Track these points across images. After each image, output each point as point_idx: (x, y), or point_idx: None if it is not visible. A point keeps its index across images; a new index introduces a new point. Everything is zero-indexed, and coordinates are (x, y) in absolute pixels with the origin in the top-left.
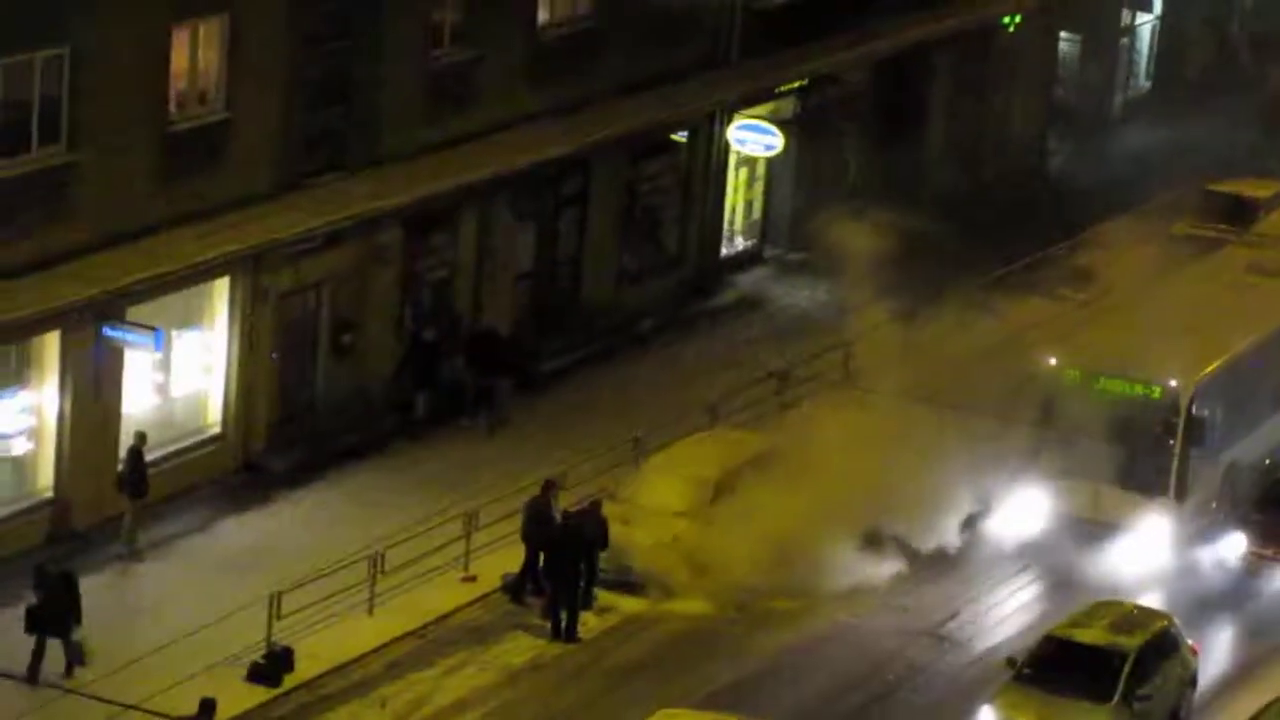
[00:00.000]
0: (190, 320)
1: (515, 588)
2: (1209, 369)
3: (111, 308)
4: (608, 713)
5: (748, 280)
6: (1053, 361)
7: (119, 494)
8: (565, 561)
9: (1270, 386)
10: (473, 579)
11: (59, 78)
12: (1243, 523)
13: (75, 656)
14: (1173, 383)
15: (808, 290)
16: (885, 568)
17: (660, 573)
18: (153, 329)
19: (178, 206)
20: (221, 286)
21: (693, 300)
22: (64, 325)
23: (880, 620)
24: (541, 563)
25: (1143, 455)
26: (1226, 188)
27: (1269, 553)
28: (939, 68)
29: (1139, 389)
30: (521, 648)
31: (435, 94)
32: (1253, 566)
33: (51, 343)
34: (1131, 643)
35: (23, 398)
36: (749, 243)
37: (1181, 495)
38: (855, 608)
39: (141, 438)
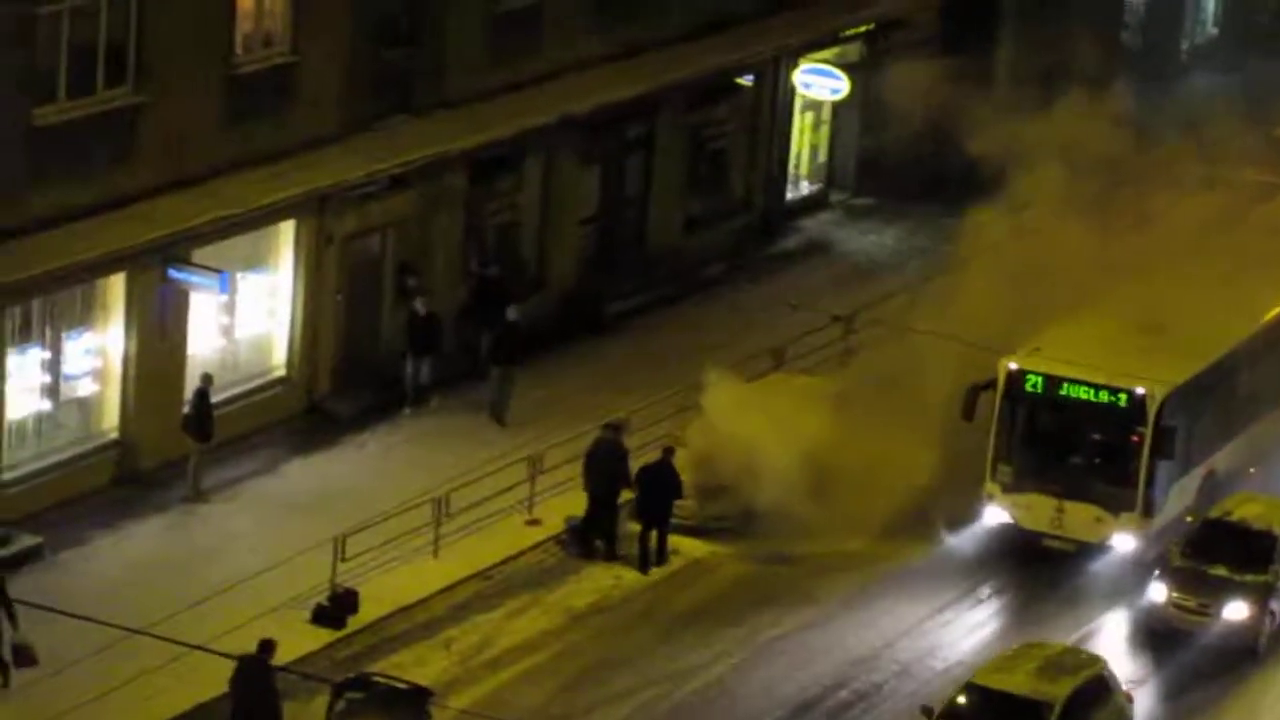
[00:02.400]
0: (256, 263)
1: (580, 535)
2: (1184, 374)
3: (177, 250)
4: (670, 656)
5: (813, 225)
6: (1013, 365)
7: (184, 436)
8: (654, 501)
9: (1255, 388)
10: (537, 522)
11: (126, 19)
12: (1162, 570)
13: (22, 659)
14: (1140, 390)
15: (874, 235)
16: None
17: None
18: (218, 271)
19: (243, 149)
20: (287, 229)
21: (758, 245)
22: (130, 267)
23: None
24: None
25: (1108, 467)
26: None
27: (1191, 604)
28: (1006, 10)
29: (1105, 396)
30: (584, 590)
31: (501, 37)
32: (1176, 619)
33: (117, 284)
34: (1058, 691)
35: (88, 339)
36: (814, 187)
37: (1150, 511)
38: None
39: (208, 379)
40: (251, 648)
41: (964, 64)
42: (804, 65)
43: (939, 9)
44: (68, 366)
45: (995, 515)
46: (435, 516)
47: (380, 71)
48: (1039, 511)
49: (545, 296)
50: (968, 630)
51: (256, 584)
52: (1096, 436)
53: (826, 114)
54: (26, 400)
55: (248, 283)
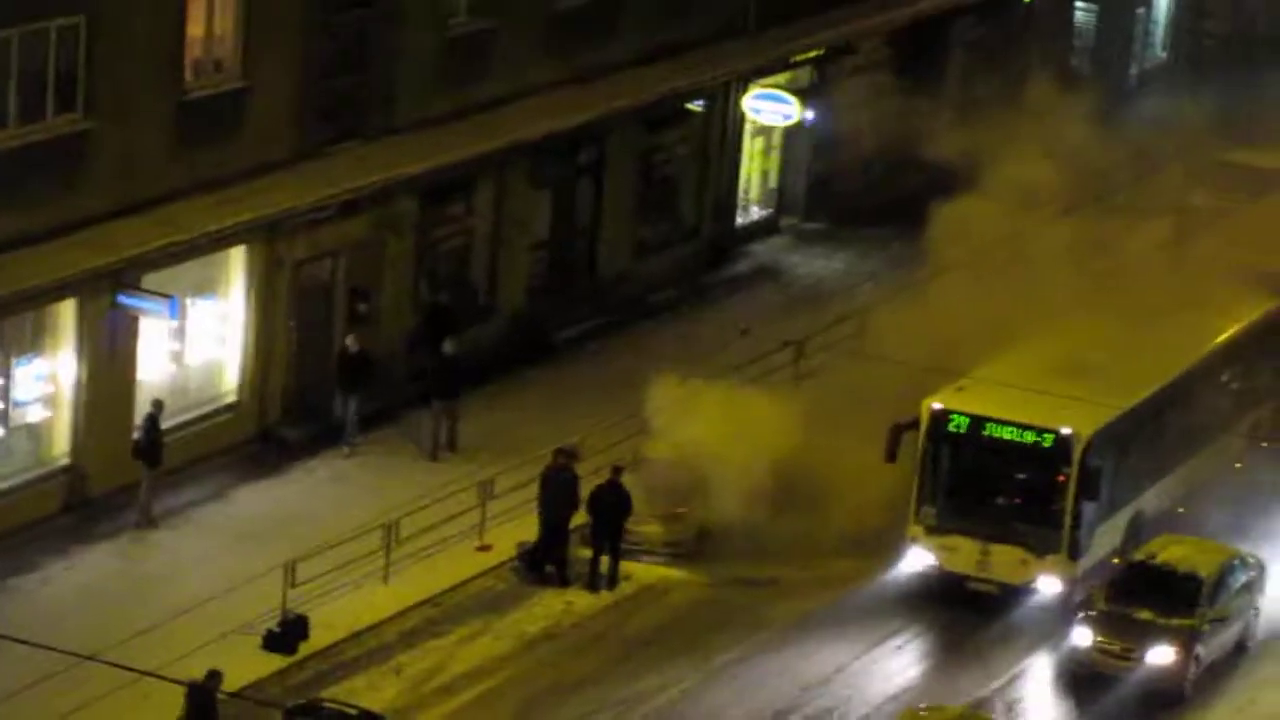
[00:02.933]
0: (206, 288)
1: (530, 558)
2: (1110, 414)
3: (127, 276)
4: (622, 681)
5: (763, 250)
6: (936, 404)
7: (135, 462)
8: (605, 521)
9: (1185, 427)
10: (488, 548)
11: (75, 45)
12: (1086, 614)
13: None
14: (1065, 430)
15: (823, 260)
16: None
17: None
18: (168, 297)
19: (194, 175)
20: (237, 255)
21: (708, 270)
22: (80, 293)
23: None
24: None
25: (1033, 509)
26: (1239, 157)
27: (1115, 649)
28: (955, 37)
29: (1029, 436)
30: (536, 616)
31: (451, 63)
32: (1101, 663)
33: (67, 310)
34: None
35: (38, 365)
36: (765, 212)
37: (1076, 553)
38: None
39: (159, 405)
40: (201, 675)
41: (913, 89)
42: (755, 90)
43: (888, 35)
44: (17, 392)
45: (919, 558)
46: (386, 542)
47: (331, 97)
48: (963, 554)
49: (495, 322)
50: (917, 657)
51: (207, 610)
52: (1021, 477)
53: (777, 139)
54: None
55: (198, 308)
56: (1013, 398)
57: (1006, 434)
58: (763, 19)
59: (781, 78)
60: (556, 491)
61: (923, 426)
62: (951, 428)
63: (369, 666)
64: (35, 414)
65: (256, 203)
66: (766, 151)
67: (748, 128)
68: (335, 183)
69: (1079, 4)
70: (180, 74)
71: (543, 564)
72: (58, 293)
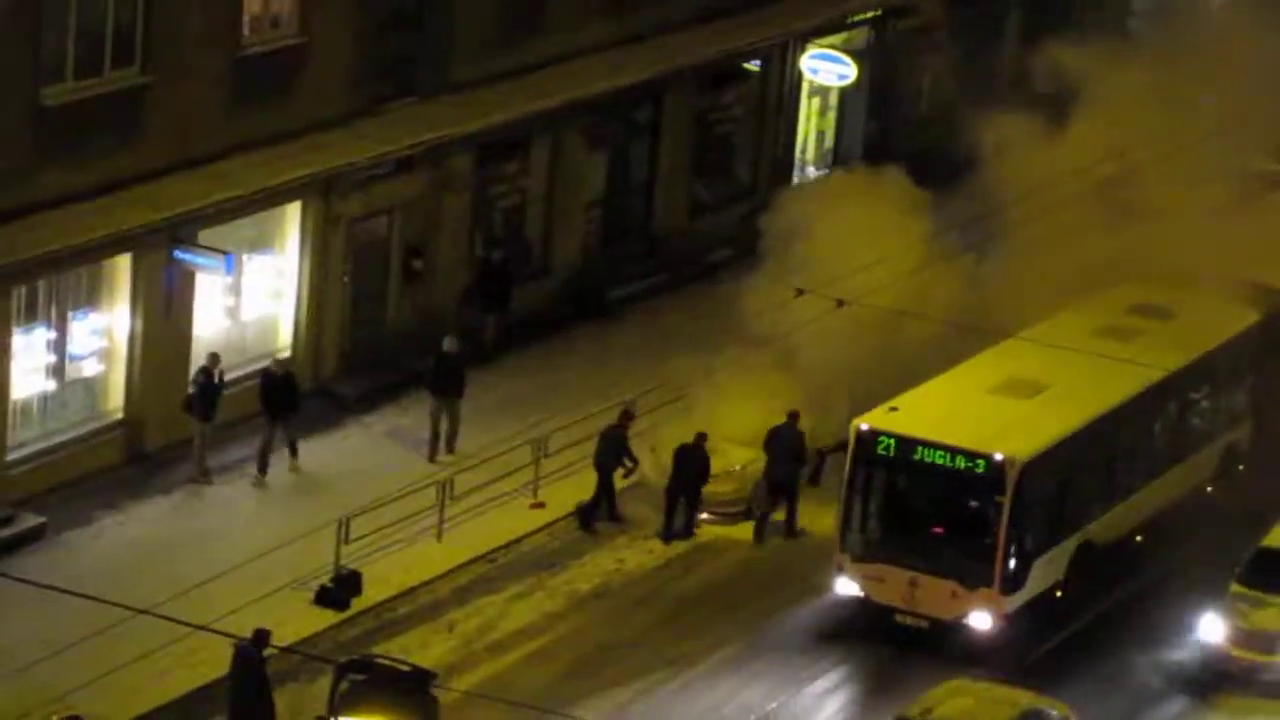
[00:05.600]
0: (262, 244)
1: (587, 515)
2: (1050, 438)
3: (183, 231)
4: (673, 640)
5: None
6: (864, 426)
7: (187, 416)
8: (685, 478)
9: (1137, 452)
10: (541, 505)
11: (134, 1)
12: None
13: None
14: (998, 456)
15: None
16: None
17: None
18: (224, 253)
19: (250, 131)
20: (293, 211)
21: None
22: (136, 248)
23: None
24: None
25: (965, 539)
26: None
27: None
28: None
29: (961, 461)
30: (588, 574)
31: (507, 21)
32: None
33: (123, 265)
34: None
35: (94, 320)
36: (821, 172)
37: (1010, 587)
38: None
39: (214, 359)
40: (250, 632)
41: (971, 49)
42: (811, 50)
43: None
44: (73, 347)
45: (845, 587)
46: (439, 499)
47: (387, 54)
48: (891, 585)
49: (549, 281)
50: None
51: (260, 565)
52: (952, 505)
53: (834, 99)
54: (32, 380)
55: (253, 264)
56: (948, 419)
57: (937, 458)
58: None
59: (838, 38)
60: (607, 448)
61: (850, 448)
62: (880, 450)
63: (421, 623)
64: (90, 368)
65: (312, 159)
66: (823, 112)
67: (804, 87)
68: (391, 140)
69: None
70: (237, 30)
71: (594, 520)
72: (114, 248)
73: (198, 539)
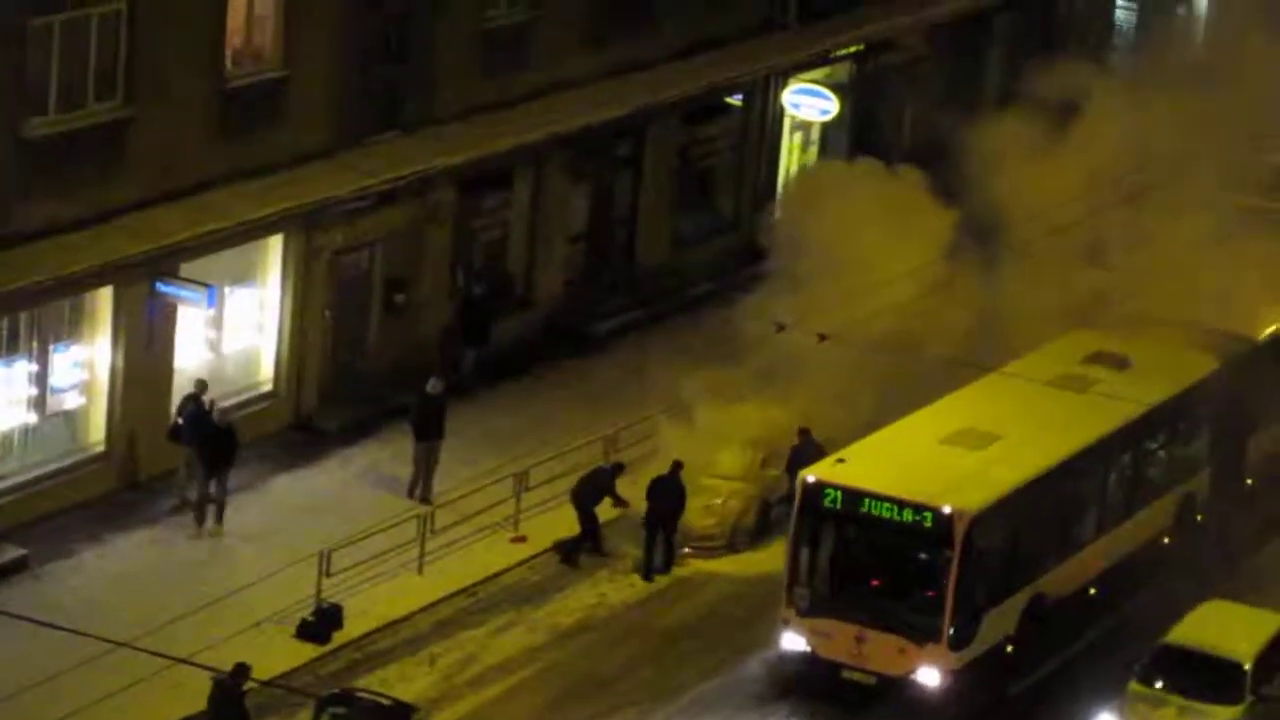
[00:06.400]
0: (244, 277)
1: (570, 550)
2: (999, 491)
3: (165, 264)
4: (656, 675)
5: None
6: (810, 478)
7: (173, 444)
8: (660, 510)
9: (1091, 503)
10: (522, 539)
11: (116, 32)
12: None
13: None
14: (946, 509)
15: None
16: None
17: (708, 536)
18: (206, 285)
19: (233, 163)
20: (275, 244)
21: (746, 264)
22: (117, 280)
23: None
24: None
25: (912, 593)
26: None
27: None
28: (997, 33)
29: (908, 514)
30: (570, 608)
31: (490, 54)
32: None
33: (105, 297)
34: None
35: (75, 352)
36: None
37: (958, 642)
38: None
39: (202, 385)
40: (230, 666)
41: (952, 85)
42: (794, 85)
43: (928, 31)
44: (54, 379)
45: (792, 642)
46: (420, 533)
47: (370, 87)
48: (838, 640)
49: (532, 314)
50: None
51: (242, 598)
52: (900, 558)
53: (816, 134)
54: (13, 413)
55: (235, 297)
56: (896, 471)
57: (884, 511)
58: (802, 14)
59: (820, 73)
60: (590, 486)
61: (796, 500)
62: (826, 503)
63: (402, 656)
64: (72, 401)
65: (294, 192)
66: (805, 146)
67: (787, 122)
68: (373, 173)
69: (1120, 2)
70: (220, 62)
71: (578, 556)
72: (96, 280)
73: (179, 571)
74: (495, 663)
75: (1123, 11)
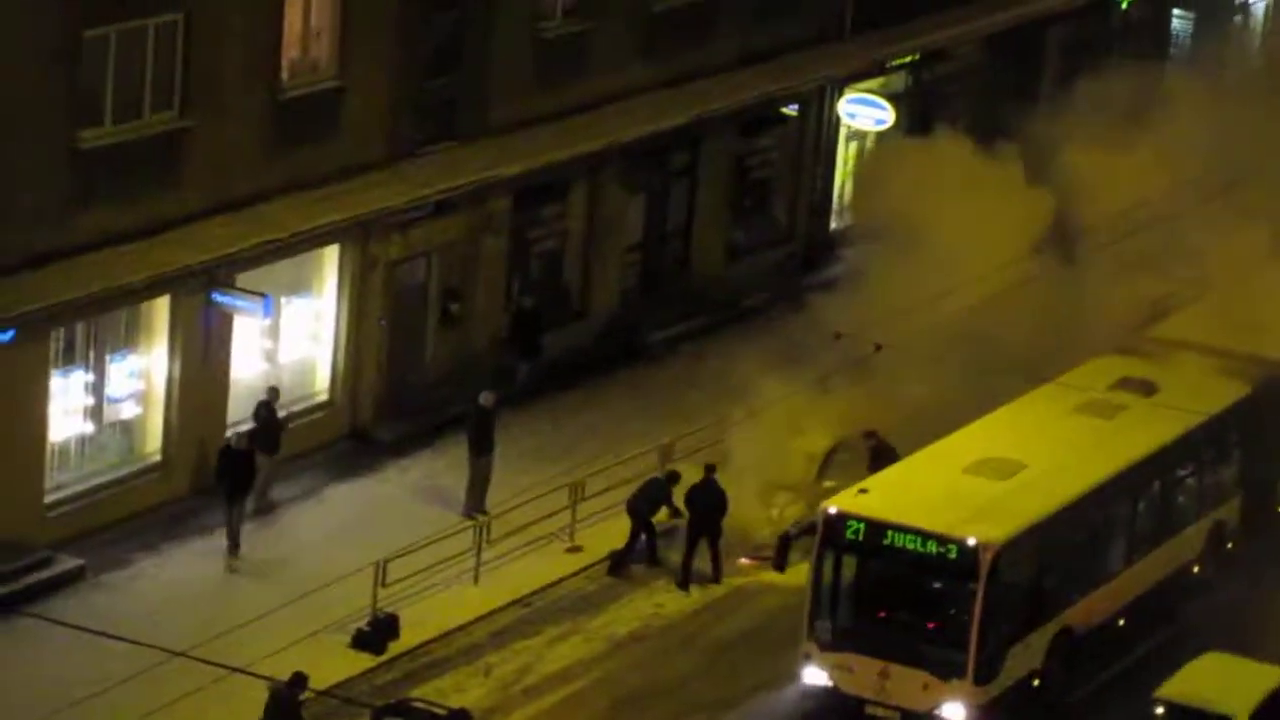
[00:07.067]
0: (300, 287)
1: (619, 562)
2: (1025, 521)
3: (221, 274)
4: (711, 685)
5: (857, 255)
6: (832, 509)
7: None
8: (700, 519)
9: (1119, 533)
10: (578, 549)
11: (173, 43)
12: None
13: None
14: (971, 541)
15: None
16: None
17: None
18: (262, 295)
19: (288, 173)
20: (331, 254)
21: (801, 274)
22: (174, 290)
23: None
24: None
25: (937, 627)
26: None
27: None
28: (1052, 43)
29: (932, 546)
30: (625, 618)
31: (546, 64)
32: None
33: (161, 308)
34: None
35: (132, 362)
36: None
37: (984, 677)
38: None
39: (274, 393)
40: (288, 674)
41: (1009, 94)
42: (849, 95)
43: (983, 41)
44: (111, 389)
45: (814, 676)
46: (476, 542)
47: (426, 97)
48: (861, 675)
49: (588, 325)
50: None
51: (298, 608)
52: (924, 591)
53: (871, 144)
54: (70, 423)
55: (291, 307)
56: (920, 502)
57: (908, 543)
58: (857, 23)
59: (875, 82)
60: (645, 495)
61: (818, 531)
62: (849, 535)
63: (457, 666)
64: (129, 411)
65: (350, 202)
66: (861, 156)
67: (842, 132)
68: (429, 183)
69: (1176, 12)
70: (277, 73)
71: (627, 565)
72: (152, 290)
73: (234, 582)
74: (551, 672)
75: (1179, 21)
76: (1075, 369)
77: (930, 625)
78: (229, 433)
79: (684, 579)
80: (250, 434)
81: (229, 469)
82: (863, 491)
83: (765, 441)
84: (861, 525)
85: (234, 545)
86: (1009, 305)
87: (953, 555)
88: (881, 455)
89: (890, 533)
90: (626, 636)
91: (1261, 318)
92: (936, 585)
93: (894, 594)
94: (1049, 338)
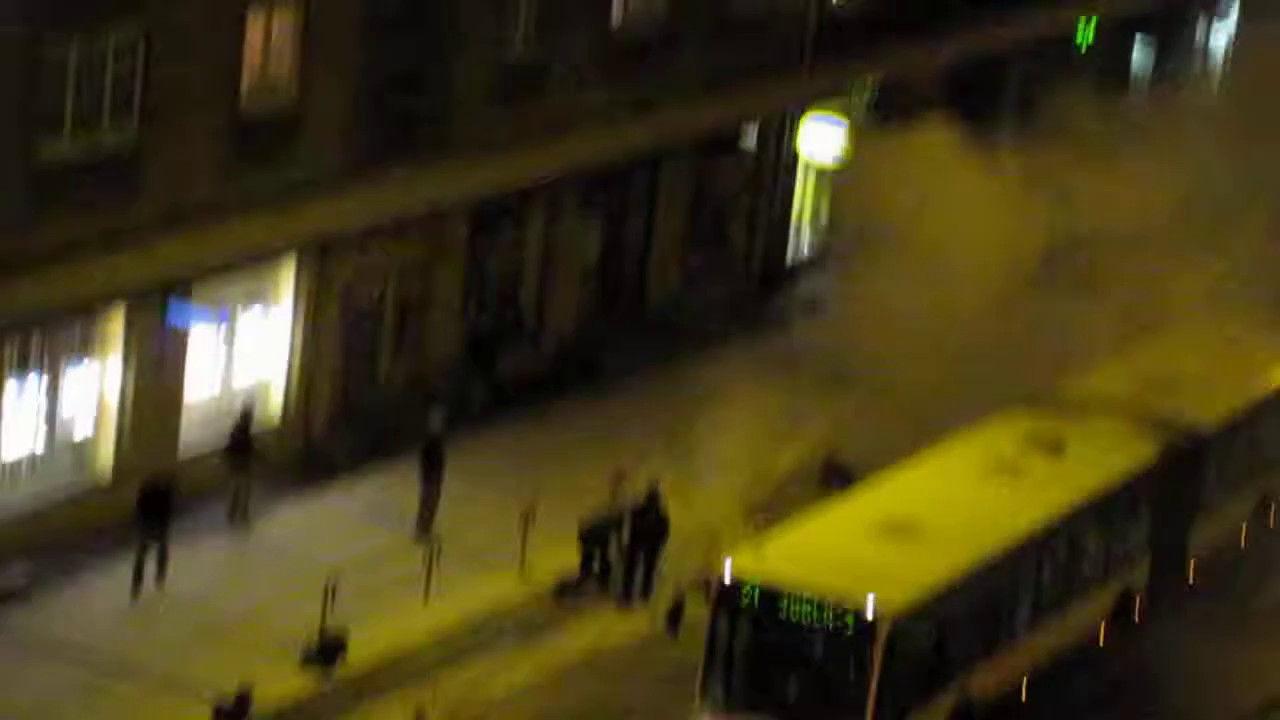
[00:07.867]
0: (256, 303)
1: (566, 588)
2: (924, 586)
3: (177, 289)
4: (660, 710)
5: (814, 283)
6: (727, 570)
7: (225, 464)
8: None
9: (1022, 598)
10: (528, 572)
11: (132, 58)
12: None
13: None
14: (866, 608)
15: None
16: None
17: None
18: (217, 311)
19: (246, 190)
20: (287, 271)
21: (758, 301)
22: (129, 304)
23: None
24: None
25: (831, 693)
26: None
27: None
28: (1011, 74)
29: (829, 612)
30: (577, 641)
31: (506, 87)
32: None
33: (116, 321)
34: None
35: (85, 376)
36: (816, 245)
37: None
38: None
39: (249, 410)
40: (233, 693)
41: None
42: (809, 121)
43: (941, 73)
44: (64, 403)
45: None
46: (427, 563)
47: (385, 118)
48: None
49: (543, 348)
50: None
51: (246, 626)
52: (820, 658)
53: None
54: (21, 436)
55: (247, 324)
56: (817, 564)
57: (802, 608)
58: (817, 53)
59: (834, 111)
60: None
61: (711, 592)
62: (743, 597)
63: (405, 686)
64: (81, 425)
65: (307, 220)
66: (819, 183)
67: (800, 159)
68: (386, 203)
69: (1137, 43)
70: (236, 91)
71: (576, 594)
72: (107, 304)
73: (183, 599)
74: (500, 695)
75: (1139, 53)
76: (984, 422)
77: (825, 691)
78: (152, 476)
79: (624, 592)
80: (226, 448)
81: (148, 502)
82: (759, 550)
83: (718, 465)
84: (756, 588)
85: (159, 574)
86: (949, 343)
87: (849, 621)
88: (836, 477)
89: (786, 597)
90: (577, 660)
91: (1178, 374)
92: (831, 651)
93: (790, 660)
94: (966, 384)
